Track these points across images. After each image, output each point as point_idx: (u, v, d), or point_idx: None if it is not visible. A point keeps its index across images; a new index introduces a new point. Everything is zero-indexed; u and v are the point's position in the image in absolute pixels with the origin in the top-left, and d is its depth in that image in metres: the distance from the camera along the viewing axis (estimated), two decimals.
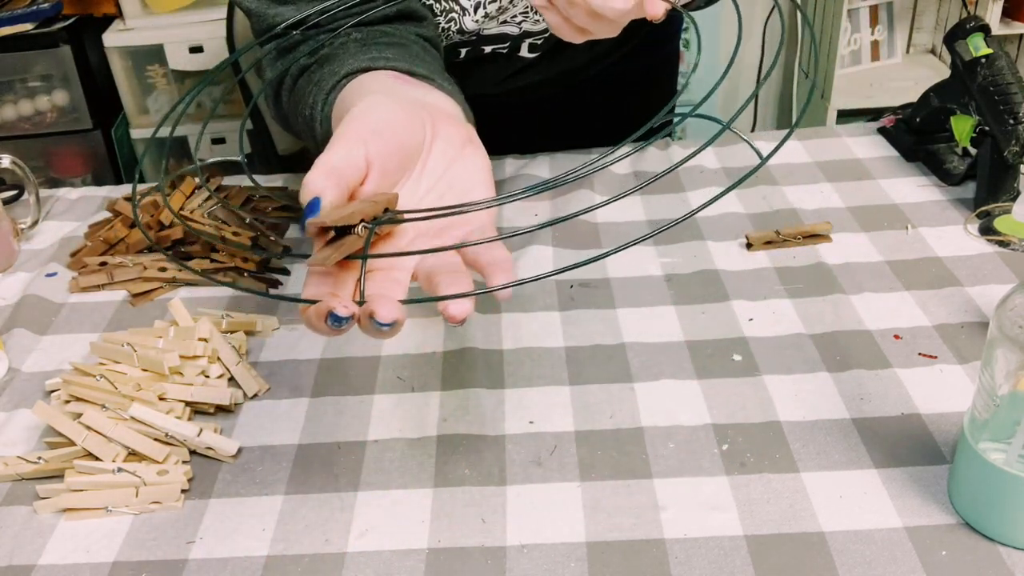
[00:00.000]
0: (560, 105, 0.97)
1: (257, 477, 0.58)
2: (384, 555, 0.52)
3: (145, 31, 1.86)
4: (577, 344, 0.67)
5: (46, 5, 1.81)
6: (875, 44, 2.19)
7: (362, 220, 0.41)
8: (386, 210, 0.44)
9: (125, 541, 0.54)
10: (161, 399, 0.61)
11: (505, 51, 0.91)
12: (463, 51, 0.88)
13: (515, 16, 0.84)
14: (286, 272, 0.79)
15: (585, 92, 0.98)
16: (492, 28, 0.85)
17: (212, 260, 0.78)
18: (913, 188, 0.85)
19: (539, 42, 0.89)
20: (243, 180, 0.92)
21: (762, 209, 0.83)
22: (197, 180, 0.86)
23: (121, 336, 0.67)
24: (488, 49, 0.89)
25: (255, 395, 0.64)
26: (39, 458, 0.58)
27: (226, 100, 1.93)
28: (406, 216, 0.45)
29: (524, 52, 0.90)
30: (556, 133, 0.98)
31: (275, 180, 0.93)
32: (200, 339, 0.65)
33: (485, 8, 0.81)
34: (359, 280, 0.42)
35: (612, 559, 0.51)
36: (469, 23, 0.82)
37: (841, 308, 0.69)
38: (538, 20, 0.85)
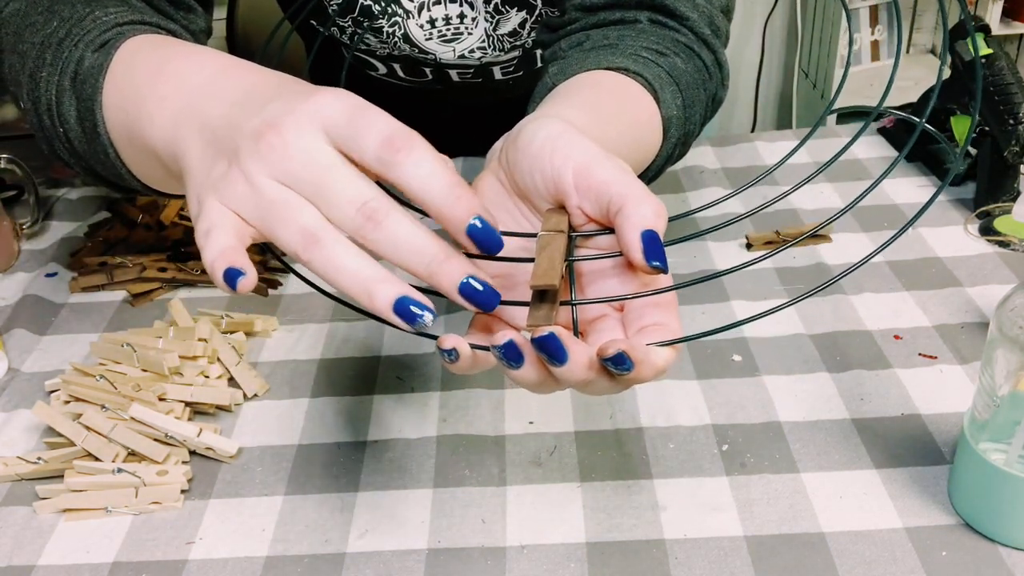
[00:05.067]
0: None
1: (257, 477, 0.58)
2: (384, 555, 0.52)
3: None
4: None
5: None
6: (875, 44, 2.19)
7: (564, 261, 0.39)
8: (570, 235, 0.41)
9: (125, 541, 0.54)
10: (161, 399, 0.61)
11: (479, 81, 0.90)
12: (428, 71, 0.87)
13: (472, 51, 0.83)
14: (286, 272, 0.79)
15: None
16: (448, 55, 0.84)
17: None
18: (913, 188, 0.85)
19: (510, 68, 0.88)
20: None
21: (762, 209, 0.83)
22: None
23: (121, 336, 0.67)
24: (455, 75, 0.89)
25: (255, 395, 0.64)
26: (39, 458, 0.58)
27: None
28: (591, 237, 0.42)
29: (497, 75, 0.89)
30: None
31: None
32: (200, 339, 0.65)
33: (429, 10, 0.78)
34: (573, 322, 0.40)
35: (612, 559, 0.51)
36: (415, 28, 0.80)
37: (841, 308, 0.69)
38: (499, 54, 0.84)
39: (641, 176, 0.56)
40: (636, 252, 0.38)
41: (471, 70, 0.87)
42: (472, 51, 0.82)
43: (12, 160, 0.85)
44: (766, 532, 0.51)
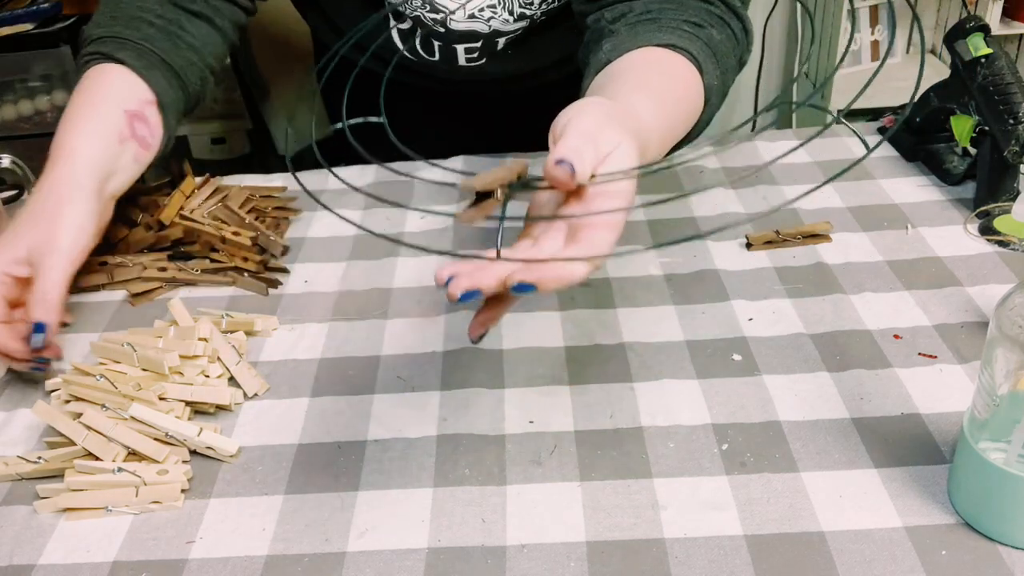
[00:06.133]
0: (540, 101, 0.98)
1: (257, 477, 0.58)
2: (384, 555, 0.52)
3: None
4: (577, 344, 0.67)
5: (46, 5, 1.81)
6: (875, 44, 2.18)
7: (501, 186, 0.45)
8: (519, 177, 0.47)
9: (125, 541, 0.54)
10: (161, 399, 0.61)
11: (483, 63, 0.91)
12: (436, 48, 0.88)
13: (483, 11, 0.84)
14: (286, 271, 0.79)
15: (568, 87, 0.99)
16: (461, 21, 0.85)
17: (212, 260, 0.78)
18: (913, 188, 0.85)
19: (513, 40, 0.90)
20: (242, 180, 0.92)
21: (762, 209, 0.83)
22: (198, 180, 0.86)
23: (121, 336, 0.67)
24: (462, 54, 0.89)
25: (255, 395, 0.64)
26: (39, 458, 0.58)
27: (225, 100, 1.93)
28: (537, 184, 0.47)
29: (501, 47, 0.90)
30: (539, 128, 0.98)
31: (274, 180, 0.93)
32: (200, 339, 0.65)
33: None
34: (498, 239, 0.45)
35: (612, 559, 0.51)
36: None
37: (841, 308, 0.69)
38: (508, 18, 0.86)
39: (686, 137, 0.64)
40: (547, 167, 0.44)
41: (478, 44, 0.88)
42: (482, 10, 0.84)
43: (12, 160, 0.85)
44: (766, 531, 0.51)
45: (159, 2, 0.79)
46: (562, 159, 0.43)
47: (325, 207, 0.48)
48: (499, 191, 0.45)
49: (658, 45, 0.62)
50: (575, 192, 0.46)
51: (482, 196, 0.45)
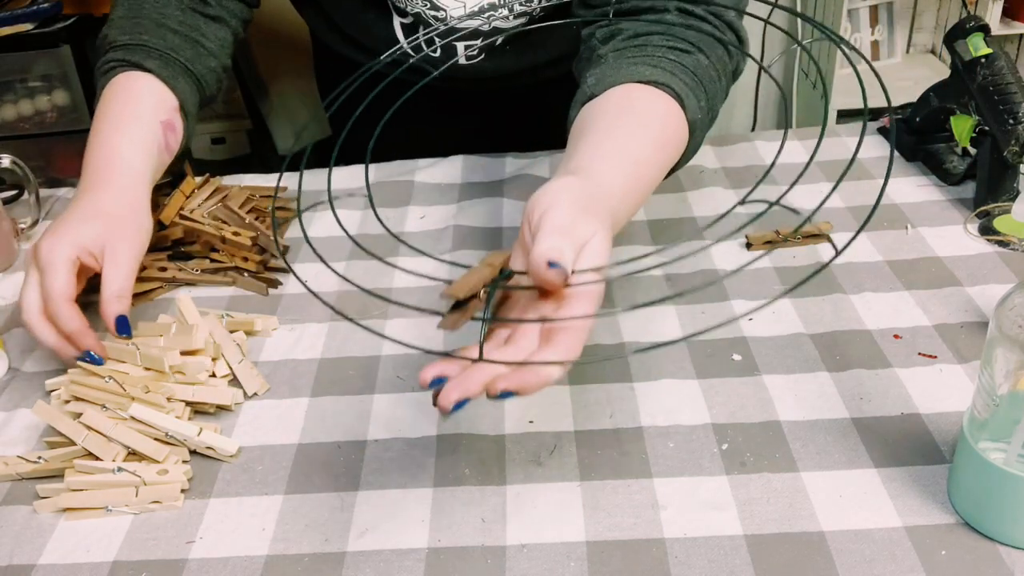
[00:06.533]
0: (538, 99, 0.98)
1: (257, 477, 0.58)
2: (384, 555, 0.52)
3: None
4: None
5: (46, 5, 1.81)
6: (875, 44, 2.19)
7: (484, 286, 0.47)
8: (502, 271, 0.49)
9: (125, 541, 0.54)
10: (168, 400, 0.61)
11: (481, 59, 0.91)
12: (437, 42, 0.89)
13: (483, 8, 0.84)
14: (286, 271, 0.79)
15: (564, 86, 0.99)
16: (459, 11, 0.85)
17: (212, 260, 0.78)
18: (913, 188, 0.85)
19: (513, 36, 0.90)
20: (242, 180, 0.92)
21: (762, 210, 0.83)
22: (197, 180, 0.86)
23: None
24: (462, 52, 0.90)
25: (255, 394, 0.64)
26: (39, 458, 0.58)
27: (225, 100, 1.93)
28: (519, 280, 0.49)
29: (499, 44, 0.91)
30: (537, 127, 0.98)
31: (274, 180, 0.93)
32: (207, 334, 0.65)
33: None
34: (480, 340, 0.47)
35: (612, 559, 0.51)
36: None
37: (841, 308, 0.69)
38: (507, 15, 0.86)
39: (672, 169, 0.66)
40: (536, 269, 0.46)
41: (478, 41, 0.88)
42: (483, 8, 0.85)
43: (12, 160, 0.85)
44: (766, 531, 0.51)
45: (179, 8, 0.81)
46: (554, 262, 0.45)
47: (305, 285, 0.48)
48: (482, 291, 0.46)
49: (640, 81, 0.63)
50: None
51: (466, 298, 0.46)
